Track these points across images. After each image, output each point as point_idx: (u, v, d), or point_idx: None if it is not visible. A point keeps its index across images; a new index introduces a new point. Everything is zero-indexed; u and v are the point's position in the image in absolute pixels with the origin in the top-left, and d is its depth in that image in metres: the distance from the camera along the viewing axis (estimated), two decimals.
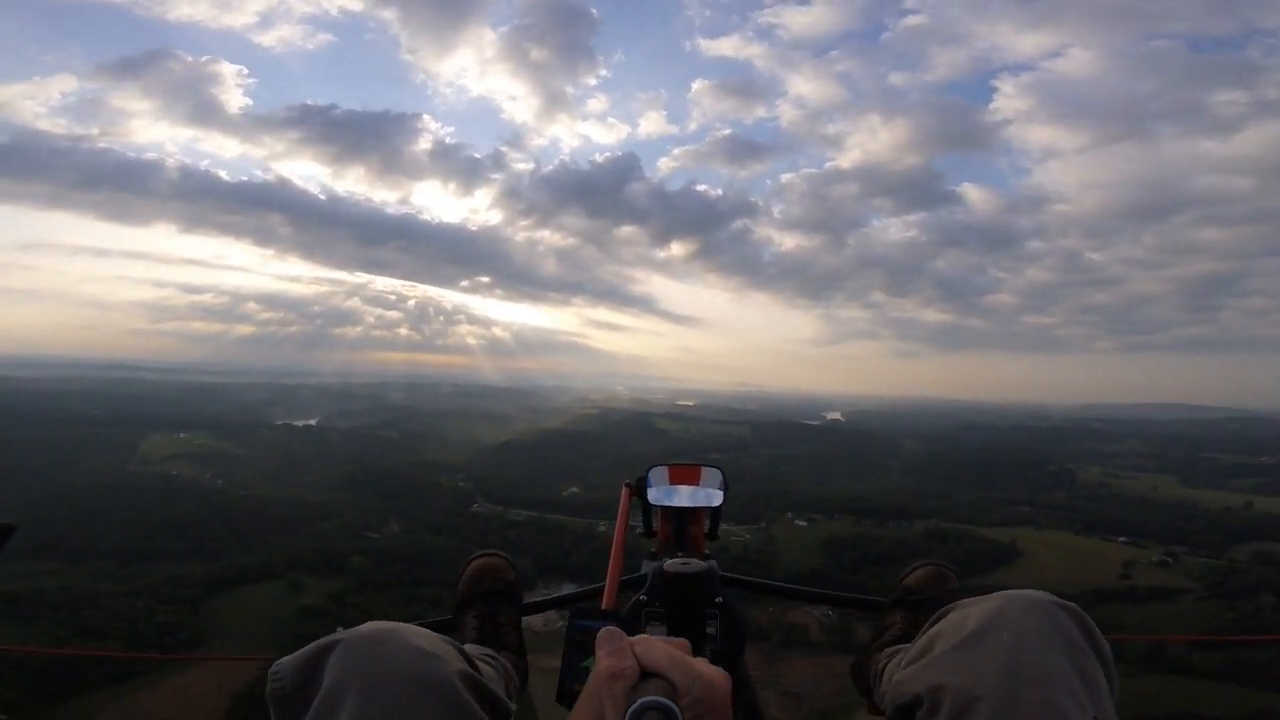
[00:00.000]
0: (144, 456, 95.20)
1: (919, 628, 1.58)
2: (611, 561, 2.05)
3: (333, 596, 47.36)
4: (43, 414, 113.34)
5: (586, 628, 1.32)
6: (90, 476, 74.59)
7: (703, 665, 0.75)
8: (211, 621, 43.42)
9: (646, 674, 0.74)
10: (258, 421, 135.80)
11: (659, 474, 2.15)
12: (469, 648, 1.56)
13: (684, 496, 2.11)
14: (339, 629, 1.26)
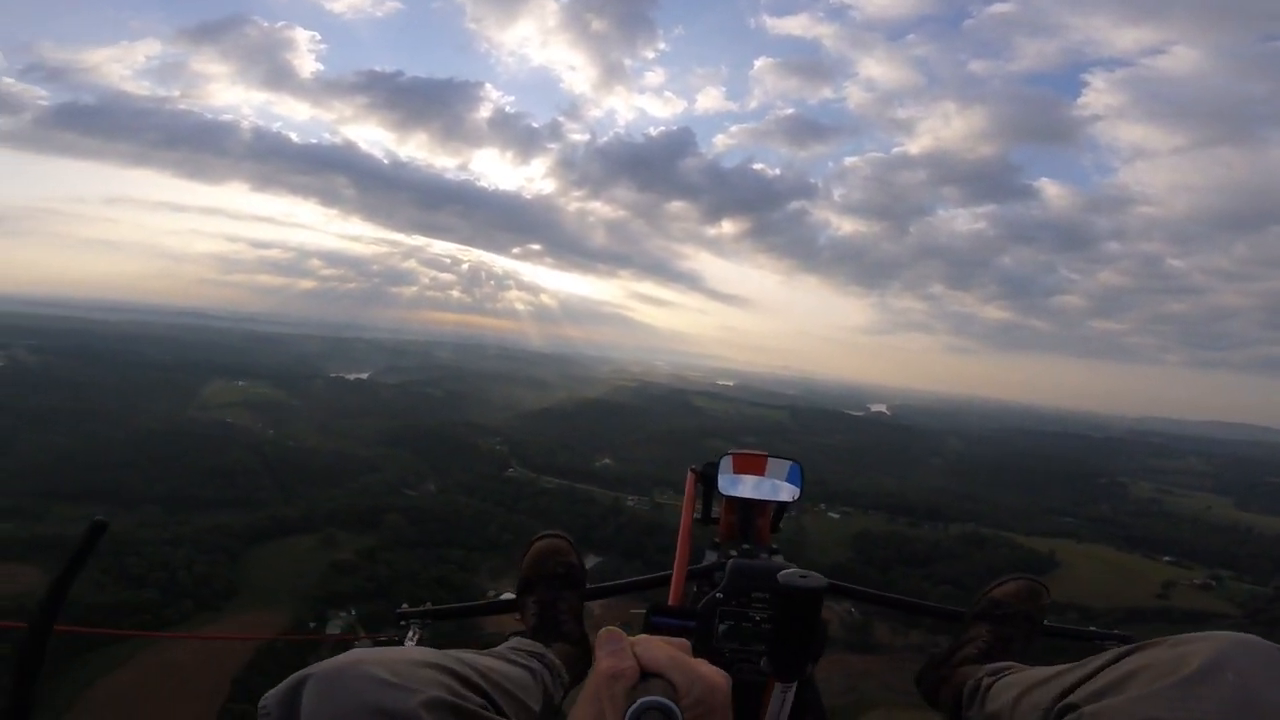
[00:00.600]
0: (204, 402, 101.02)
1: (1006, 643, 1.71)
2: (679, 550, 1.99)
3: (364, 553, 48.82)
4: (116, 357, 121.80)
5: (663, 625, 1.30)
6: (151, 420, 79.24)
7: (703, 666, 0.75)
8: (245, 574, 45.45)
9: (647, 674, 0.74)
10: (313, 372, 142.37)
11: (728, 462, 2.07)
12: (515, 642, 1.66)
13: (761, 489, 2.02)
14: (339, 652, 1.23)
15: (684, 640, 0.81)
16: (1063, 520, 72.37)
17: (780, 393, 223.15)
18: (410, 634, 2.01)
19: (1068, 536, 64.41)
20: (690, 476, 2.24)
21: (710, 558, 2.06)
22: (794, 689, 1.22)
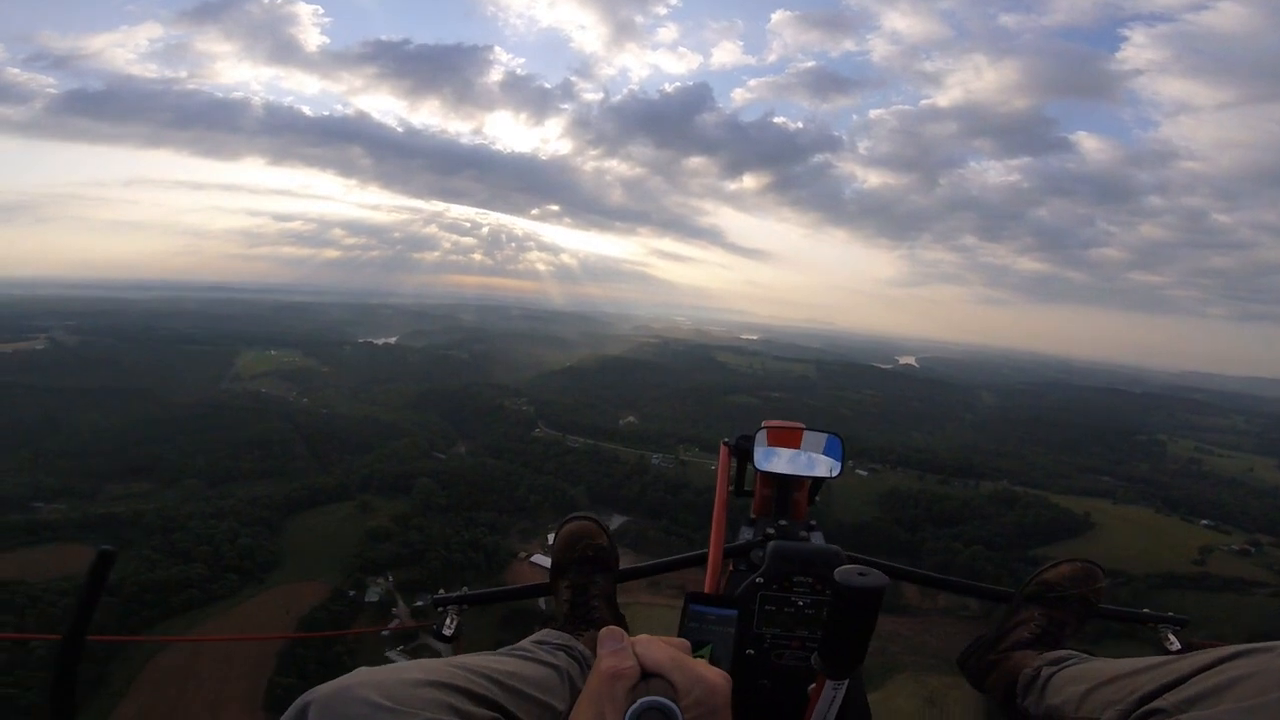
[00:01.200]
0: (237, 373, 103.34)
1: (1060, 627, 1.67)
2: (714, 529, 1.92)
3: (397, 518, 49.85)
4: (149, 334, 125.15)
5: (704, 614, 1.24)
6: (186, 394, 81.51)
7: (704, 667, 0.75)
8: (285, 545, 46.60)
9: (647, 674, 0.74)
10: (341, 339, 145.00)
11: (762, 435, 1.96)
12: (543, 634, 1.64)
13: (799, 464, 1.92)
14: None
15: (684, 640, 0.82)
16: (1099, 479, 70.62)
17: (806, 346, 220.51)
18: (449, 620, 2.03)
19: (1103, 496, 63.07)
20: (723, 450, 2.16)
21: (745, 534, 1.99)
22: (845, 686, 1.20)
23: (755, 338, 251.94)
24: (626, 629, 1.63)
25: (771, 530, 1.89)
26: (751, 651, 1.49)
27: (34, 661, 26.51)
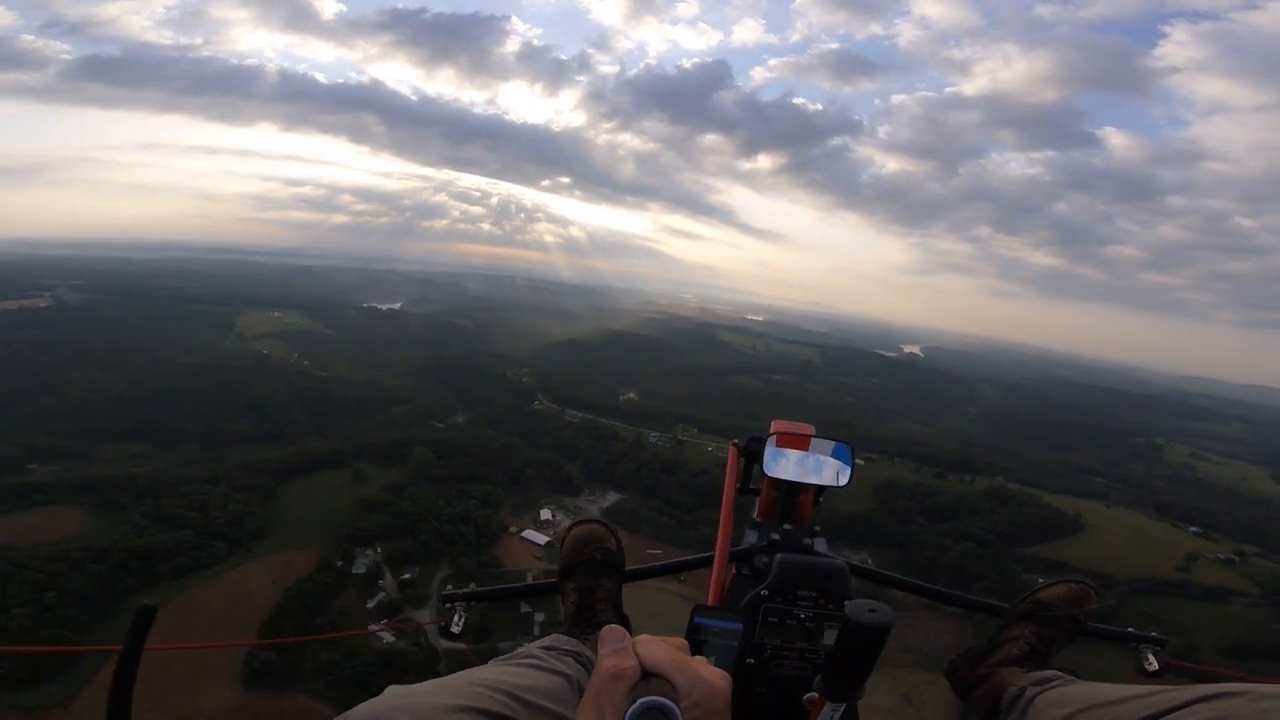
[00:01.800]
0: (240, 333, 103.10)
1: (1049, 645, 1.72)
2: (720, 533, 1.88)
3: (391, 488, 49.69)
4: (155, 293, 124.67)
5: (709, 626, 1.23)
6: (189, 354, 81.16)
7: (704, 668, 0.76)
8: (276, 512, 46.41)
9: (648, 674, 0.74)
10: (346, 303, 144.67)
11: (772, 439, 1.94)
12: (551, 639, 1.67)
13: (809, 470, 1.90)
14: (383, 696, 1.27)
15: (683, 640, 0.84)
16: (1093, 480, 70.78)
17: (812, 330, 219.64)
18: (456, 618, 2.06)
19: (1096, 497, 63.20)
20: (732, 451, 2.15)
21: (750, 537, 2.02)
22: (844, 708, 1.29)
23: (761, 319, 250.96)
24: (630, 631, 1.56)
25: (776, 536, 1.88)
26: (752, 660, 1.53)
27: None
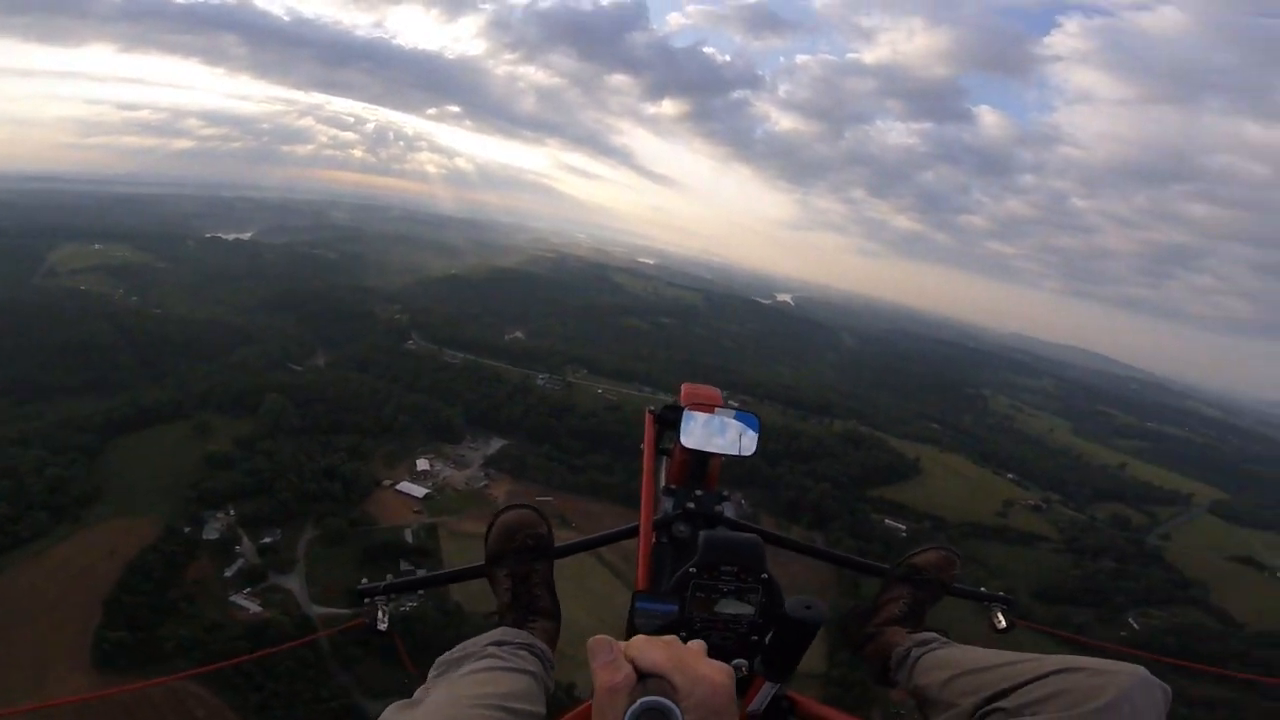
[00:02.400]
0: (52, 268, 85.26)
1: (921, 604, 2.04)
2: (644, 503, 2.00)
3: (241, 442, 44.38)
4: None
5: (650, 610, 1.36)
6: None
7: (704, 664, 0.75)
8: (106, 474, 40.13)
9: (645, 675, 0.74)
10: (184, 233, 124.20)
11: (689, 413, 2.01)
12: (500, 633, 1.68)
13: (725, 442, 2.00)
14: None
15: (674, 637, 0.84)
16: (930, 426, 79.27)
17: (699, 276, 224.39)
18: (380, 613, 2.00)
19: (932, 443, 70.70)
20: (649, 419, 2.33)
21: (665, 504, 2.07)
22: (779, 686, 1.57)
23: (653, 262, 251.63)
24: (559, 614, 1.90)
25: (691, 504, 1.99)
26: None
27: None
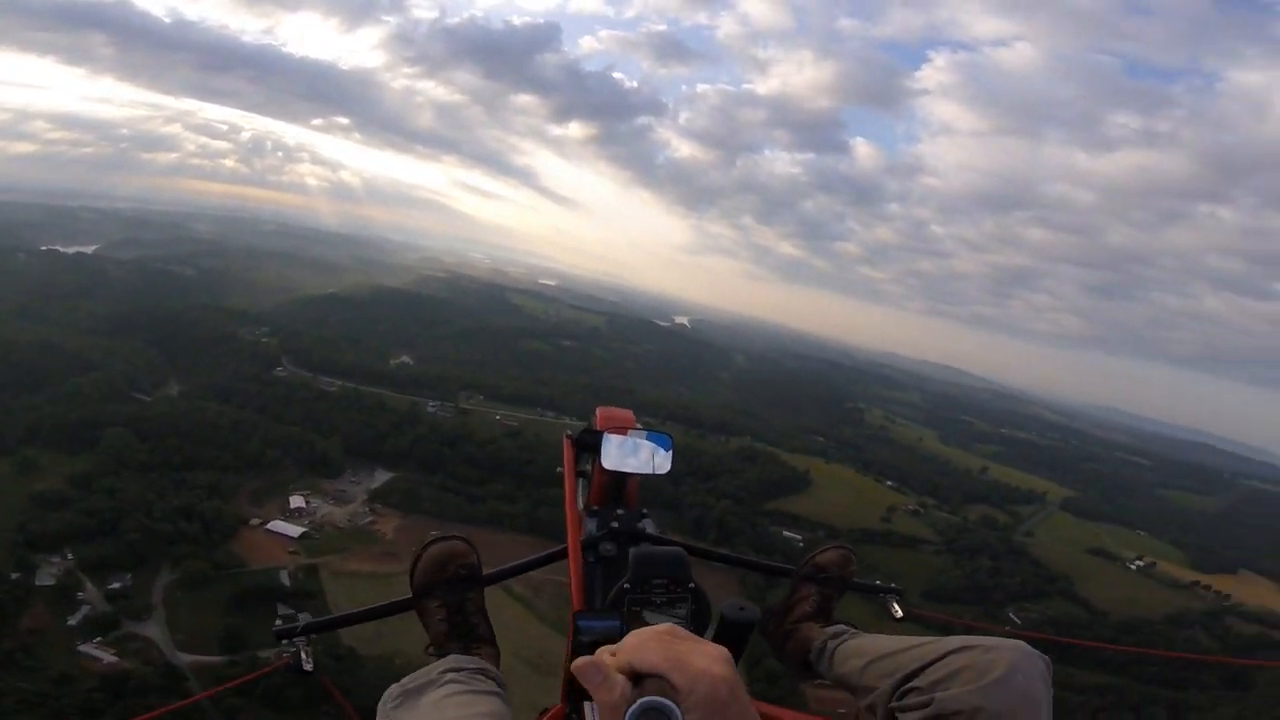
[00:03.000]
0: None
1: (828, 600, 2.19)
2: (569, 527, 2.07)
3: (76, 479, 39.02)
4: None
5: (593, 628, 1.38)
6: None
7: (702, 658, 0.74)
8: None
9: (643, 676, 0.73)
10: (14, 244, 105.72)
11: (609, 437, 2.07)
12: (451, 660, 1.69)
13: (641, 462, 2.06)
14: None
15: (668, 627, 0.81)
16: (815, 439, 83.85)
17: (600, 297, 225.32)
18: (303, 654, 1.95)
19: (819, 455, 74.45)
20: (567, 443, 2.34)
21: (590, 525, 2.10)
22: None
23: (554, 283, 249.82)
24: (496, 640, 1.92)
25: (615, 524, 2.03)
26: None
27: None
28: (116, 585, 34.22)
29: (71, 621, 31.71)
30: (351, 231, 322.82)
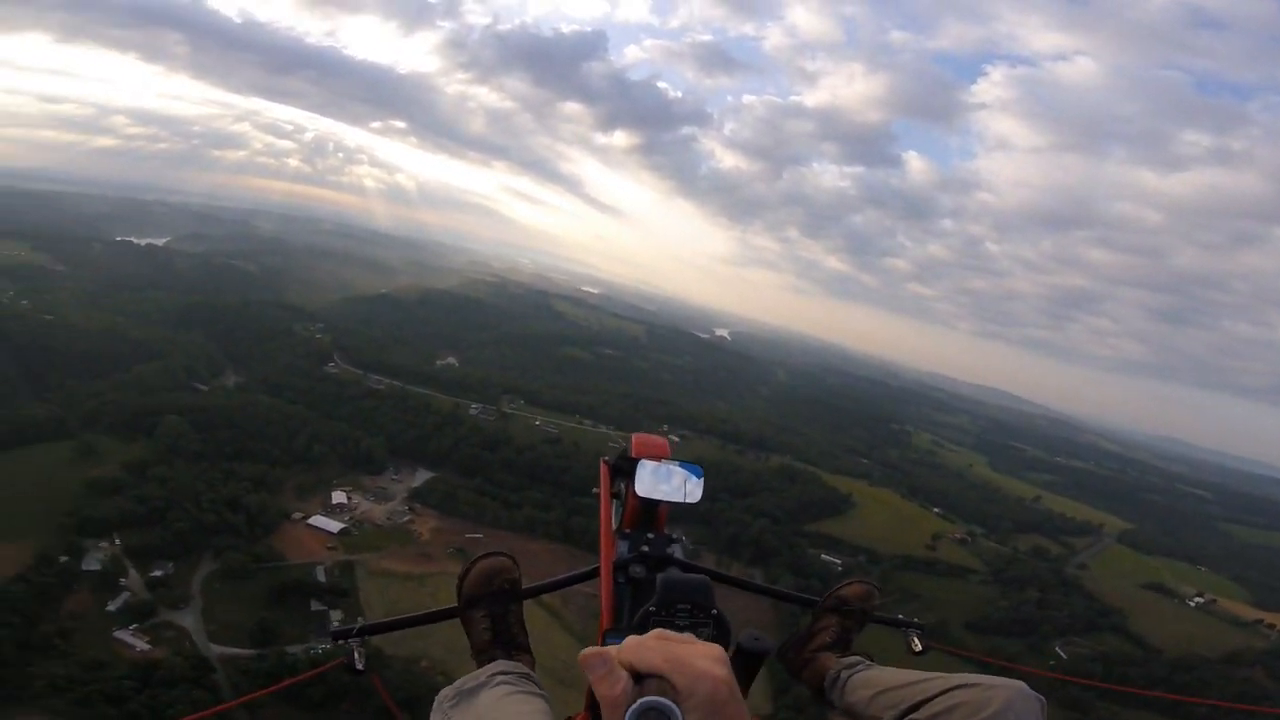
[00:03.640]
0: None
1: (848, 633, 2.30)
2: (603, 548, 2.16)
3: (132, 466, 40.00)
4: None
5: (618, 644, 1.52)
6: None
7: (701, 659, 0.75)
8: None
9: (644, 676, 0.74)
10: (91, 235, 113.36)
11: (644, 463, 2.14)
12: (499, 665, 1.90)
13: (674, 491, 2.13)
14: None
15: (665, 631, 0.82)
16: (859, 461, 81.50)
17: (641, 307, 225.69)
18: (357, 655, 2.13)
19: (862, 478, 72.31)
20: (604, 468, 2.42)
21: (621, 548, 2.17)
22: None
23: (596, 291, 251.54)
24: (531, 651, 2.09)
25: (645, 547, 2.11)
26: None
27: None
28: (158, 573, 34.94)
29: (111, 607, 32.35)
30: (405, 233, 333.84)
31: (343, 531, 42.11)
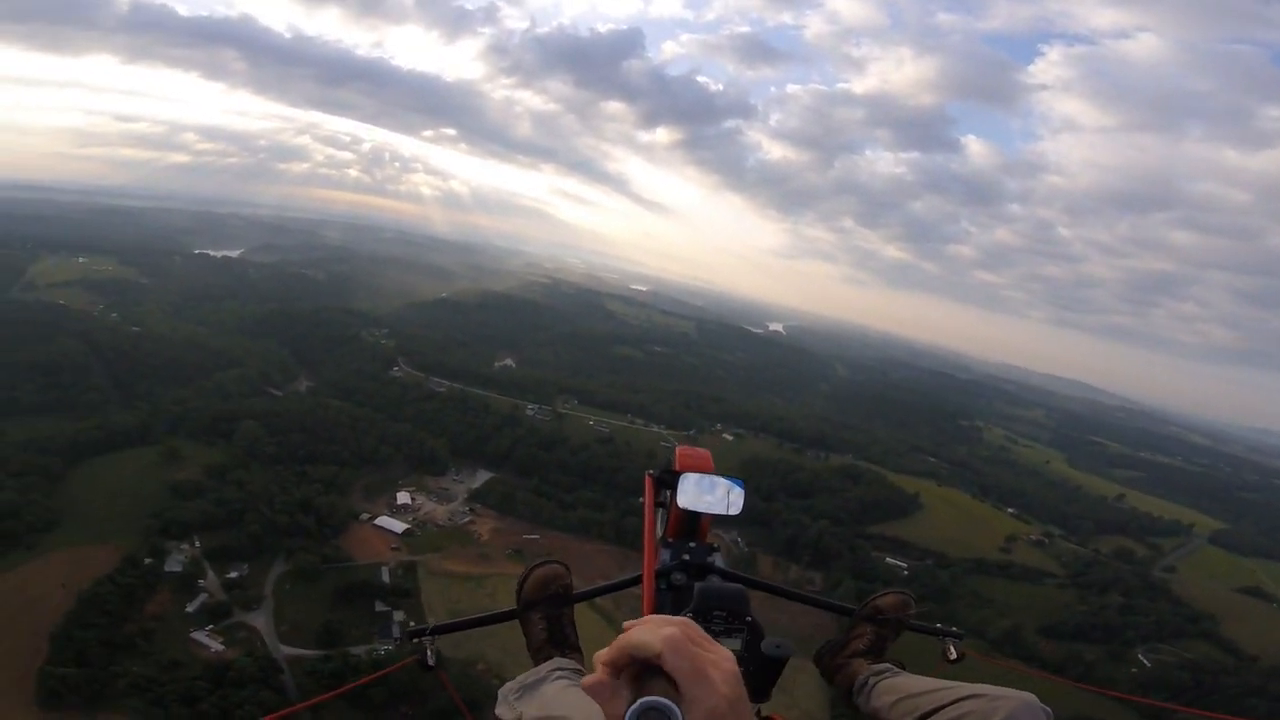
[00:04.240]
0: (31, 281, 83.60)
1: (883, 640, 2.41)
2: (645, 557, 2.30)
3: (212, 470, 42.15)
4: None
5: None
6: None
7: (708, 661, 0.76)
8: (66, 500, 37.77)
9: (643, 674, 0.75)
10: (172, 249, 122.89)
11: (687, 477, 2.25)
12: (556, 663, 2.12)
13: (716, 503, 2.24)
14: None
15: (670, 618, 0.84)
16: (926, 460, 77.92)
17: (690, 303, 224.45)
18: (429, 652, 2.38)
19: (930, 477, 69.30)
20: (648, 481, 2.57)
21: (664, 555, 2.34)
22: (758, 707, 1.94)
23: (645, 289, 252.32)
24: (580, 647, 2.31)
25: (686, 556, 2.29)
26: None
27: None
28: (234, 574, 36.35)
29: (189, 608, 33.82)
30: (461, 238, 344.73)
31: (406, 532, 43.44)
